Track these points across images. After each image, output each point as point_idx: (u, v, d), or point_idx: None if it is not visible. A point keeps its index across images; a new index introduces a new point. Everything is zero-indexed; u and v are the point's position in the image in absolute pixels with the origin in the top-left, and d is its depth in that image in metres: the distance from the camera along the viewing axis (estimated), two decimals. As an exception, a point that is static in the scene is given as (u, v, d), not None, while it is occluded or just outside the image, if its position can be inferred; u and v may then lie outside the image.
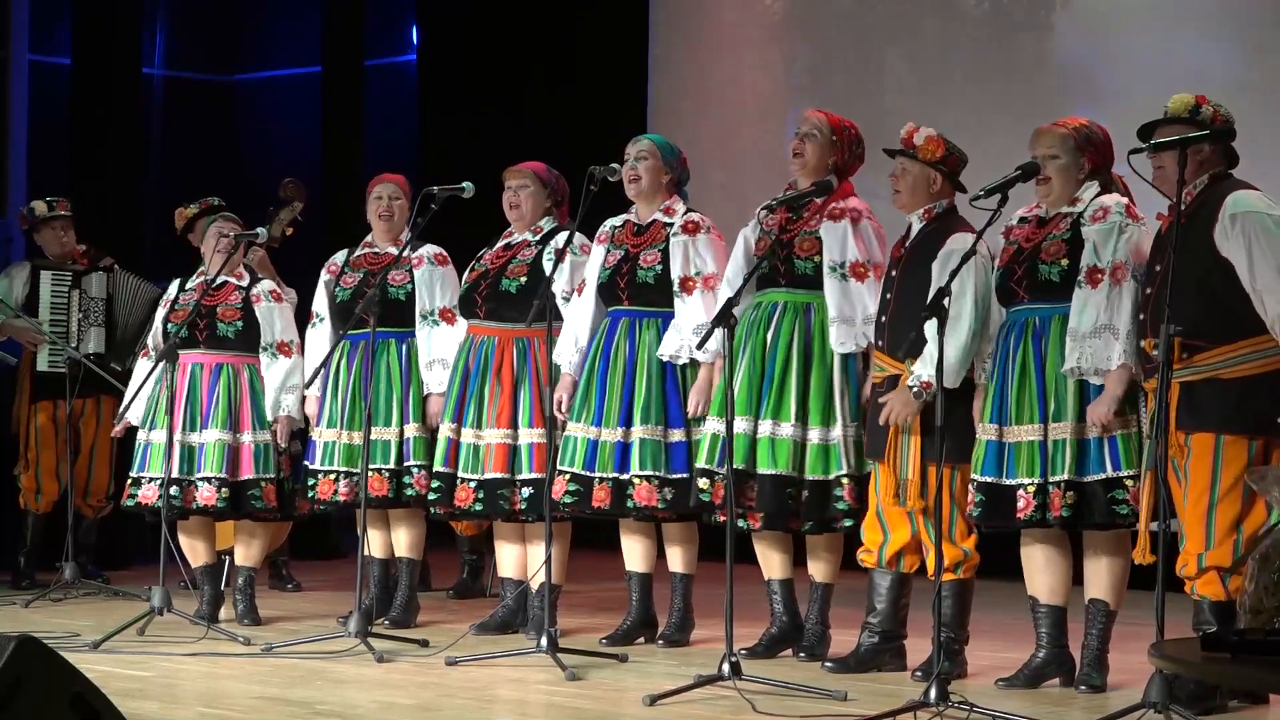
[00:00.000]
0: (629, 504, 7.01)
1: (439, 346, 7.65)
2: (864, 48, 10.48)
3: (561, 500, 7.08)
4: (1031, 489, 6.05)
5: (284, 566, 9.39)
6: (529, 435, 7.32)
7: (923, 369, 6.24)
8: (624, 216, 7.31)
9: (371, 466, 7.60)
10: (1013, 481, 6.09)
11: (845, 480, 6.64)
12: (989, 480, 6.13)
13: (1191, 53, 9.19)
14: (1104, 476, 5.99)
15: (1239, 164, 5.91)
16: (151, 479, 7.74)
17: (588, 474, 7.07)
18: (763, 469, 6.67)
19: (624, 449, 7.04)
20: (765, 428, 6.69)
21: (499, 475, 7.31)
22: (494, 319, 7.44)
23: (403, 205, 7.86)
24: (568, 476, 7.09)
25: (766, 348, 6.75)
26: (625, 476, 7.02)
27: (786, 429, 6.68)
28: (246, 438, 7.78)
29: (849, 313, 6.69)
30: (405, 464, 7.62)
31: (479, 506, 7.36)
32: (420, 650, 7.05)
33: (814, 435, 6.68)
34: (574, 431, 7.11)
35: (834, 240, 6.72)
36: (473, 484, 7.35)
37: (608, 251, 7.24)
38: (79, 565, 8.96)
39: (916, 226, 6.53)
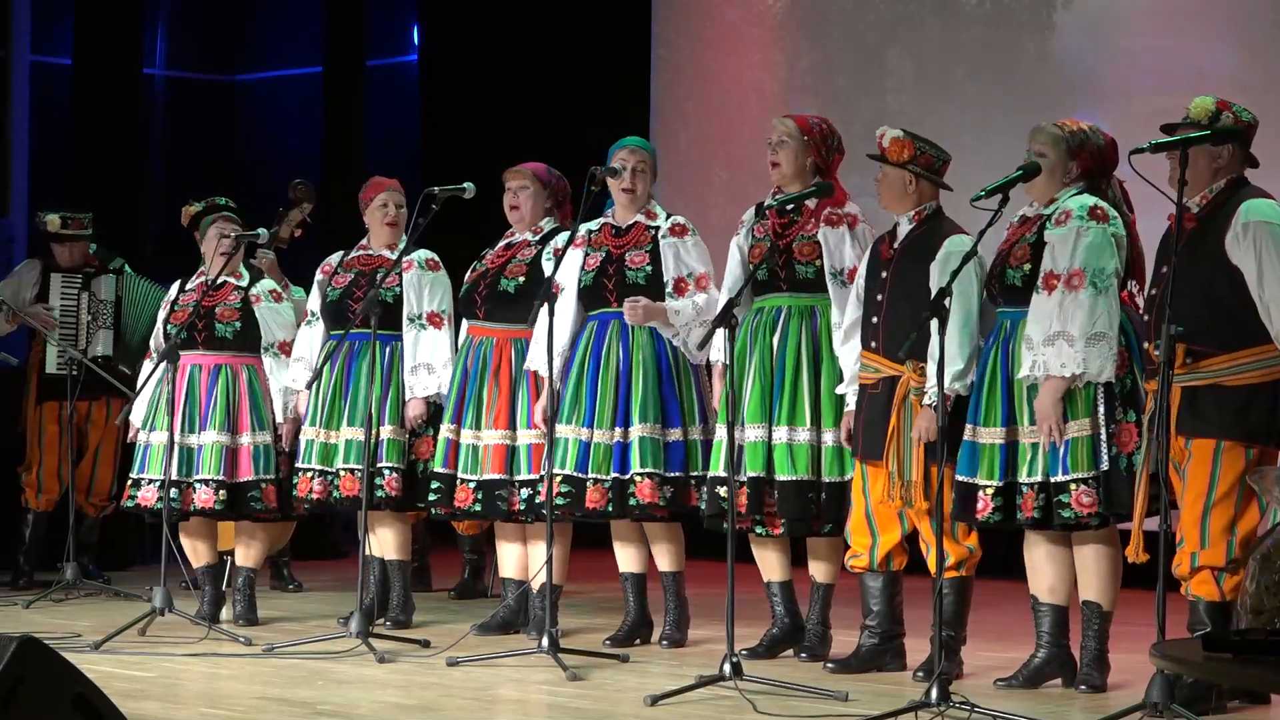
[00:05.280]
0: (631, 502, 7.01)
1: (424, 351, 7.59)
2: (866, 47, 10.48)
3: (554, 502, 7.06)
4: (990, 491, 6.07)
5: (285, 567, 9.38)
6: (527, 436, 7.31)
7: (932, 383, 6.22)
8: (600, 220, 7.30)
9: (344, 466, 7.60)
10: (977, 482, 6.10)
11: None
12: (961, 479, 6.15)
13: (1191, 53, 9.19)
14: (1055, 480, 5.97)
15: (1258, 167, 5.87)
16: (151, 480, 7.74)
17: (580, 475, 7.06)
18: (782, 475, 6.66)
19: (622, 449, 7.03)
20: (781, 434, 6.69)
21: (497, 476, 7.31)
22: (492, 319, 7.44)
23: (404, 213, 7.81)
24: (560, 479, 7.06)
25: (774, 353, 6.75)
26: (626, 476, 7.02)
27: (803, 434, 6.69)
28: (245, 439, 7.76)
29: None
30: (378, 465, 7.58)
31: (478, 507, 7.36)
32: (421, 650, 7.05)
33: (829, 438, 6.68)
34: (564, 433, 7.09)
35: (834, 245, 6.73)
36: (472, 484, 7.35)
37: (586, 255, 7.23)
38: (80, 566, 8.95)
39: (905, 228, 6.51)
